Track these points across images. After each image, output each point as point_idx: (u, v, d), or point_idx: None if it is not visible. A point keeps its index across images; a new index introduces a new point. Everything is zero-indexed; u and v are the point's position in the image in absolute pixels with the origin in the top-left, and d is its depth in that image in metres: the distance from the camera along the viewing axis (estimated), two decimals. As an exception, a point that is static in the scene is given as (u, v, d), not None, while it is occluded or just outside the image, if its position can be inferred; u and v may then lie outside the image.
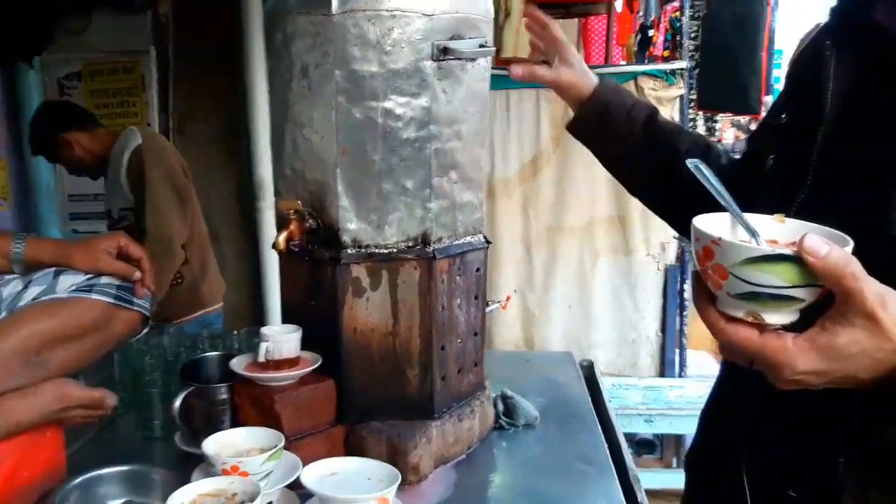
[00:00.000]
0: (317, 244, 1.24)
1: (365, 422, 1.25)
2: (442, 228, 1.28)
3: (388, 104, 1.18)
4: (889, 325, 0.63)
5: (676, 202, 1.15)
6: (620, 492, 1.22)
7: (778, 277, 0.63)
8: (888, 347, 0.64)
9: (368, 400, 1.26)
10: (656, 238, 3.62)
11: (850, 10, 0.89)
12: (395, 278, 1.24)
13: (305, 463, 1.06)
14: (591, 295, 3.68)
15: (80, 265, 1.20)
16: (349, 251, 1.22)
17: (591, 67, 1.28)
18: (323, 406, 1.22)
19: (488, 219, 2.90)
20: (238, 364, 1.23)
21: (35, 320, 1.11)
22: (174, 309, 2.49)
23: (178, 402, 1.23)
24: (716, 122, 4.60)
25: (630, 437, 3.37)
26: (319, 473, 1.03)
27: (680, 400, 3.27)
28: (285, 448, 1.07)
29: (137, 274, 1.23)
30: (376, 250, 1.23)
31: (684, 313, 3.69)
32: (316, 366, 1.21)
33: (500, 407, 1.48)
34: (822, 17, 0.95)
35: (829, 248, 0.62)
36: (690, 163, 0.78)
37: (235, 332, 1.61)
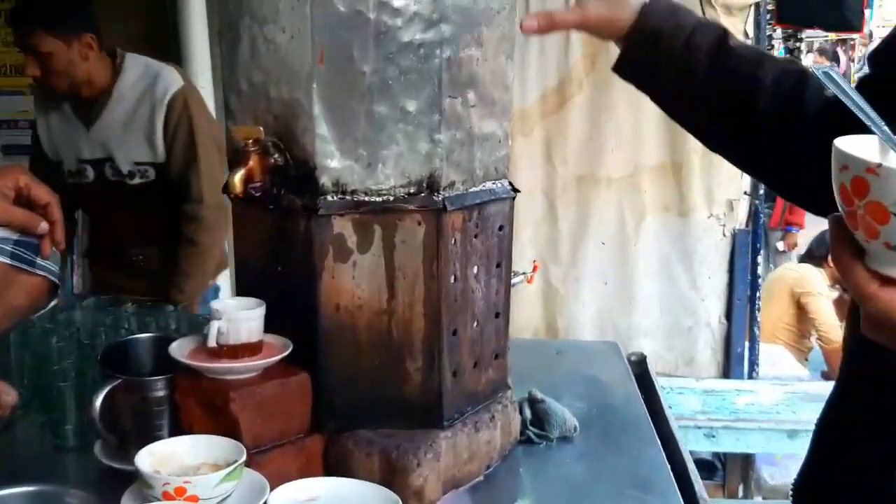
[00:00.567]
0: (285, 188, 1.24)
1: (350, 430, 1.25)
2: (455, 169, 1.27)
3: (383, -7, 1.18)
4: None
5: (756, 139, 1.16)
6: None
7: None
8: None
9: (355, 400, 1.26)
10: (722, 193, 3.63)
11: None
12: (392, 236, 1.24)
13: (274, 484, 1.06)
14: (635, 267, 3.69)
15: None
16: (329, 198, 1.21)
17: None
18: (294, 408, 1.22)
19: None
20: (180, 350, 1.22)
21: None
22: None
23: (98, 401, 1.22)
24: (799, 41, 4.58)
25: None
26: (292, 499, 1.03)
27: (750, 409, 3.29)
28: (246, 464, 1.07)
29: (44, 225, 1.19)
30: (366, 197, 1.23)
31: (757, 294, 3.71)
32: (285, 354, 1.21)
33: (528, 413, 1.49)
34: None
35: None
36: (818, 70, 0.78)
37: (172, 306, 1.61)
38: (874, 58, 1.12)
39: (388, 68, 1.19)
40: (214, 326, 1.18)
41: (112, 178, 2.55)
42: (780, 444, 3.23)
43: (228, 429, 1.13)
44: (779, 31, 4.60)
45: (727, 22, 3.29)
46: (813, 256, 4.87)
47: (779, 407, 3.24)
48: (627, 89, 1.29)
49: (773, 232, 6.51)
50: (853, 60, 12.73)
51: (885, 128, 0.70)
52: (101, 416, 1.23)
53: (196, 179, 2.50)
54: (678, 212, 3.67)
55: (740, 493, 3.63)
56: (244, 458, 1.06)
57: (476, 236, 1.31)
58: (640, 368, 1.89)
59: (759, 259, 3.70)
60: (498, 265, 1.37)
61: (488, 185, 1.34)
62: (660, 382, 2.49)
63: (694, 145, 3.45)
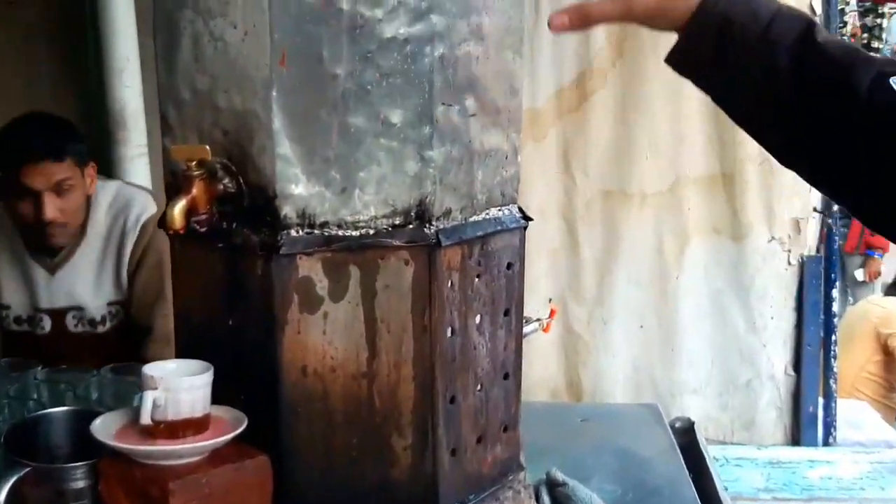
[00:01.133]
0: (237, 221, 1.25)
1: (323, 527, 1.26)
2: (451, 194, 1.29)
3: (360, -22, 1.19)
4: None
5: (845, 157, 1.16)
6: None
7: None
8: None
9: (328, 489, 1.26)
10: (785, 210, 3.64)
11: None
12: (373, 280, 1.25)
13: None
14: (677, 306, 3.70)
15: None
16: (293, 233, 1.23)
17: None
18: (251, 500, 1.21)
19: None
20: (105, 428, 1.22)
21: None
22: None
23: (2, 494, 1.22)
24: (881, 16, 4.64)
25: (743, 546, 3.40)
26: None
27: (827, 484, 3.28)
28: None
29: None
30: (340, 231, 1.24)
31: (832, 337, 3.71)
32: (238, 431, 1.21)
33: (547, 500, 1.51)
34: None
35: None
36: None
37: (95, 371, 1.61)
38: None
39: (365, 70, 1.21)
40: (149, 398, 1.17)
41: (74, 330, 2.59)
42: (865, 528, 3.23)
43: (168, 529, 1.13)
44: (853, 3, 4.65)
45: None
46: (902, 287, 4.88)
47: (863, 481, 3.24)
48: (665, 80, 1.30)
49: (851, 258, 6.52)
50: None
51: None
52: (5, 513, 1.24)
53: (162, 320, 2.53)
54: (731, 235, 3.67)
55: None
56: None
57: (479, 277, 1.32)
58: (687, 437, 1.90)
59: (835, 293, 3.71)
60: (506, 313, 1.38)
61: (493, 212, 1.36)
62: (712, 453, 2.50)
63: (749, 152, 3.45)
